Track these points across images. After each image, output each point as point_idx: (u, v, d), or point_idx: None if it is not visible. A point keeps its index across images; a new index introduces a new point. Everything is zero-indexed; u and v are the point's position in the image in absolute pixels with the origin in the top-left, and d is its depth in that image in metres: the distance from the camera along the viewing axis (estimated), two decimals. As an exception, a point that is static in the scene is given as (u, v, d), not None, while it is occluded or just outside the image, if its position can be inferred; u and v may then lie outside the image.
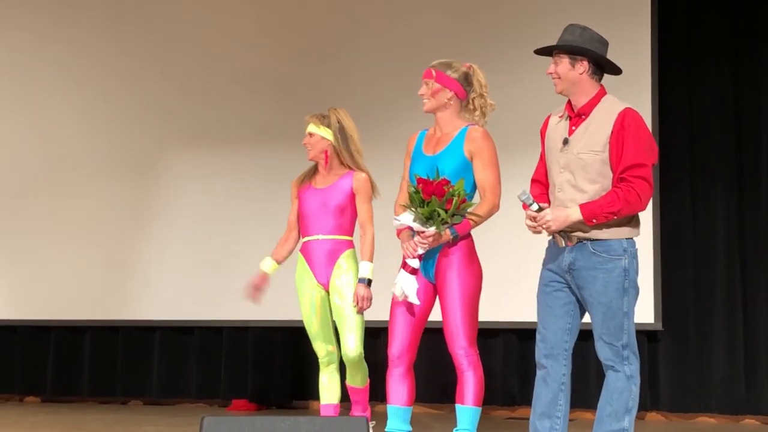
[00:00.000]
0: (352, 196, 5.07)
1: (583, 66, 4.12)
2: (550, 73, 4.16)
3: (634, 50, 6.92)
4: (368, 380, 5.27)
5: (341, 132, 5.09)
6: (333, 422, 3.30)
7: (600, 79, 4.19)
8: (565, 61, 4.13)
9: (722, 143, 6.95)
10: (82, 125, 7.96)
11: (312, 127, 5.10)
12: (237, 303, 7.46)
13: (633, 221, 4.08)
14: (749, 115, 6.93)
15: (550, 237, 4.17)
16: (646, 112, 6.83)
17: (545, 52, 4.21)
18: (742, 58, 6.97)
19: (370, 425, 5.04)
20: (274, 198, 7.49)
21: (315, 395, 7.43)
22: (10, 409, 7.28)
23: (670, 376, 6.90)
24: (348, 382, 5.23)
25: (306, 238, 5.10)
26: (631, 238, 4.08)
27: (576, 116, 4.14)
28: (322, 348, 5.18)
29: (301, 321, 5.32)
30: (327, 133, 5.08)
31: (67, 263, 7.82)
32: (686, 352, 6.88)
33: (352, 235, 5.13)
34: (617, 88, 7.08)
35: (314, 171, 5.19)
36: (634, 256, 4.07)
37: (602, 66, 4.17)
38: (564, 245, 4.08)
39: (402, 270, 4.47)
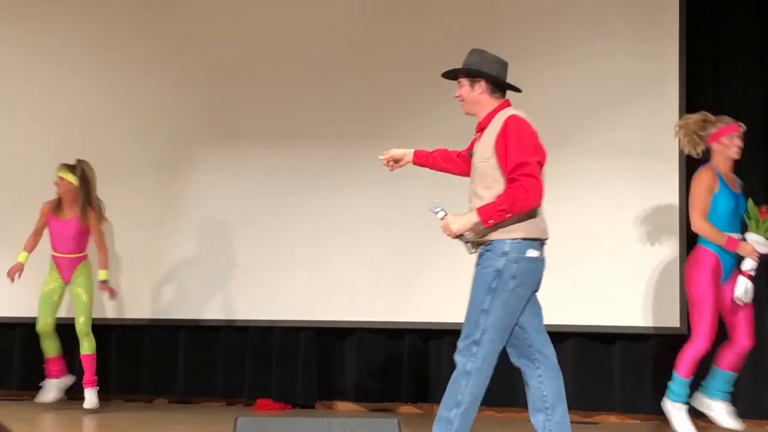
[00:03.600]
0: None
1: (481, 87, 4.47)
2: (457, 97, 4.54)
3: (661, 51, 6.91)
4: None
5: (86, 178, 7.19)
6: (365, 423, 3.42)
7: (502, 96, 4.52)
8: (466, 84, 4.50)
9: (750, 146, 6.91)
10: (103, 123, 7.99)
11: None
12: (262, 303, 7.55)
13: (525, 223, 4.31)
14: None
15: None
16: (672, 114, 6.82)
17: (451, 75, 4.57)
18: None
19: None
20: (298, 198, 7.53)
21: (340, 395, 7.52)
22: (36, 407, 7.33)
23: (695, 380, 6.86)
24: (82, 351, 7.15)
25: (56, 254, 7.25)
26: (521, 242, 4.31)
27: (479, 131, 4.49)
28: (45, 323, 7.23)
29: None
30: (74, 179, 7.19)
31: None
32: (711, 356, 6.84)
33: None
34: (645, 92, 7.13)
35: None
36: (515, 261, 4.30)
37: (501, 85, 4.50)
38: (471, 253, 4.44)
39: (743, 277, 5.78)
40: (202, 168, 7.78)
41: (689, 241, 6.82)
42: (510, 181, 4.26)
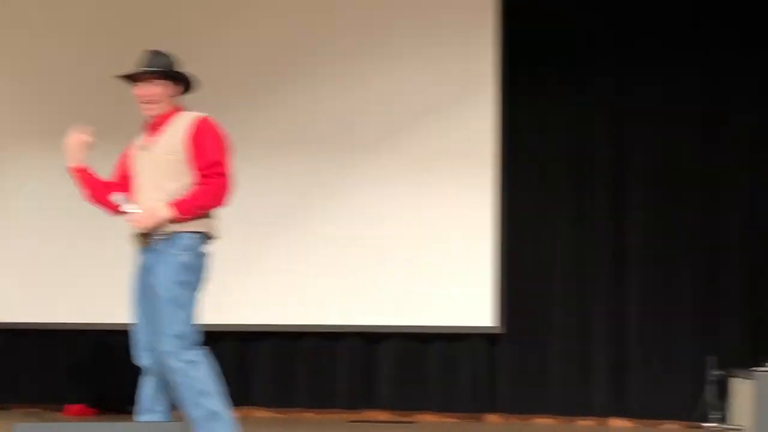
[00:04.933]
0: None
1: (179, 89, 4.55)
2: (147, 96, 4.49)
3: (478, 56, 7.01)
4: None
5: None
6: (150, 428, 3.29)
7: None
8: (167, 85, 4.50)
9: (564, 148, 7.10)
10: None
11: None
12: (73, 306, 7.28)
13: (206, 219, 4.41)
14: (585, 113, 7.10)
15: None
16: (489, 118, 6.94)
17: (148, 74, 4.49)
18: (583, 57, 7.12)
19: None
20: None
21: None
22: None
23: (509, 378, 7.02)
24: None
25: None
26: (201, 235, 4.39)
27: (154, 127, 4.50)
28: None
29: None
30: None
31: None
32: (525, 355, 7.01)
33: None
34: (462, 95, 7.19)
35: None
36: (199, 255, 4.39)
37: (188, 87, 4.59)
38: (142, 246, 4.43)
39: None
40: (20, 164, 7.50)
41: (503, 241, 6.96)
42: (203, 177, 4.35)
